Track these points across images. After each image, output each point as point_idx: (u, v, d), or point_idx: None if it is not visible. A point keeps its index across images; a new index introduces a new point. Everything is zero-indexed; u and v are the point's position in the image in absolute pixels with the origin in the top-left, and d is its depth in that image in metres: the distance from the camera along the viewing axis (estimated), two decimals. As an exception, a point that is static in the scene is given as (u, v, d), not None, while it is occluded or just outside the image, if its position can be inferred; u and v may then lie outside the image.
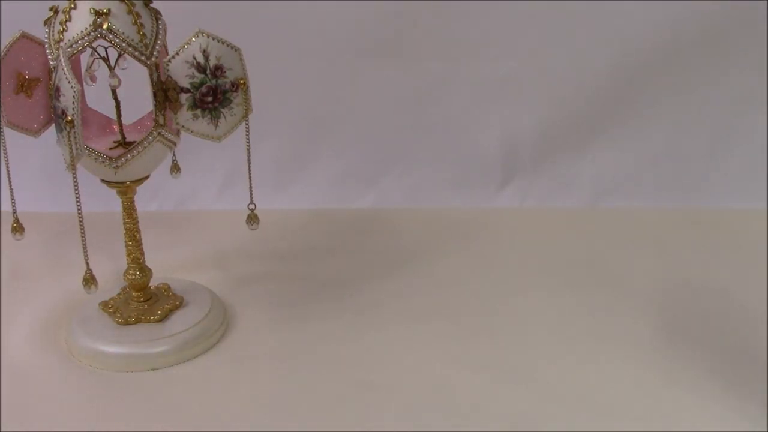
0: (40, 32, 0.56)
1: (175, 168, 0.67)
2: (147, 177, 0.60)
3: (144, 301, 0.64)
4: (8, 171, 0.56)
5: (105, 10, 0.53)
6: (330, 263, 0.77)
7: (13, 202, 0.57)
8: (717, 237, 0.83)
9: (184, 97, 0.57)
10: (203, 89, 0.56)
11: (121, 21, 0.54)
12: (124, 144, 0.60)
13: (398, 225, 0.86)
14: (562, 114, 0.91)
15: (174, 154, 0.66)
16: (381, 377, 0.60)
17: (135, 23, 0.54)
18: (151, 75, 0.56)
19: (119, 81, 0.59)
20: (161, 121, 0.57)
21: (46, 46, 0.55)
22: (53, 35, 0.55)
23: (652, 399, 0.57)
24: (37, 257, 0.78)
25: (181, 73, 0.56)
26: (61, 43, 0.54)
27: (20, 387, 0.58)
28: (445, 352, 0.63)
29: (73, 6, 0.54)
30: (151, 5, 0.57)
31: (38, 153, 0.81)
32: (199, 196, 0.92)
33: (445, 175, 0.92)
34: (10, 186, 0.57)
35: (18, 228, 0.59)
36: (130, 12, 0.54)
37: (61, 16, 0.54)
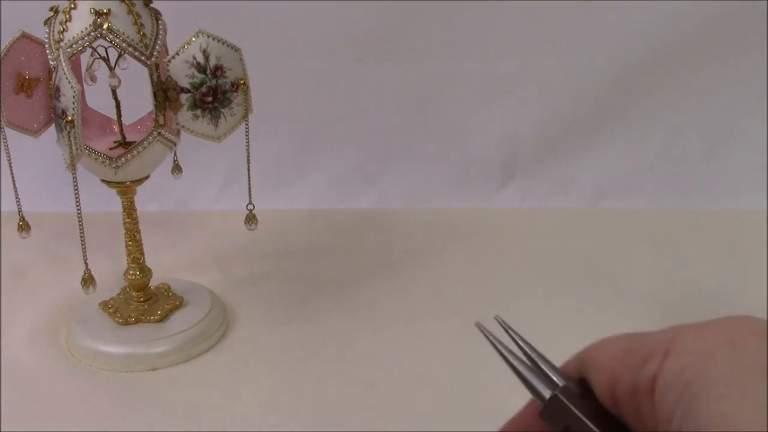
0: (40, 32, 0.56)
1: (177, 169, 0.67)
2: (147, 177, 0.60)
3: (144, 301, 0.64)
4: (11, 171, 0.56)
5: (105, 10, 0.53)
6: (330, 263, 0.77)
7: (18, 201, 0.57)
8: (717, 237, 0.83)
9: (184, 97, 0.57)
10: (203, 89, 0.56)
11: (121, 21, 0.54)
12: (124, 144, 0.60)
13: (398, 225, 0.86)
14: (562, 114, 0.91)
15: (175, 155, 0.66)
16: (381, 377, 0.60)
17: (135, 23, 0.54)
18: (151, 75, 0.56)
19: (119, 81, 0.59)
20: (161, 121, 0.57)
21: (46, 46, 0.55)
22: (53, 35, 0.55)
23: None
24: (37, 257, 0.78)
25: (181, 73, 0.56)
26: (61, 43, 0.54)
27: (20, 387, 0.58)
28: (445, 352, 0.63)
29: (73, 6, 0.54)
30: (151, 5, 0.57)
31: (38, 153, 0.81)
32: (199, 196, 0.92)
33: (445, 175, 0.92)
34: (14, 185, 0.57)
35: (24, 226, 0.59)
36: (130, 12, 0.54)
37: (61, 16, 0.54)
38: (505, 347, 0.30)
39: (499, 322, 0.33)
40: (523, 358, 0.31)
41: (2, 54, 0.54)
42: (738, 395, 0.22)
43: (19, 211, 0.58)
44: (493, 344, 0.31)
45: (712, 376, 0.23)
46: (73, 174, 0.52)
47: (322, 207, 0.90)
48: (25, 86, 0.55)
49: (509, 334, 0.32)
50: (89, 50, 0.57)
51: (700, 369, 0.24)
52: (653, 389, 0.25)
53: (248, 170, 0.60)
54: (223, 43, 0.56)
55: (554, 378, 0.29)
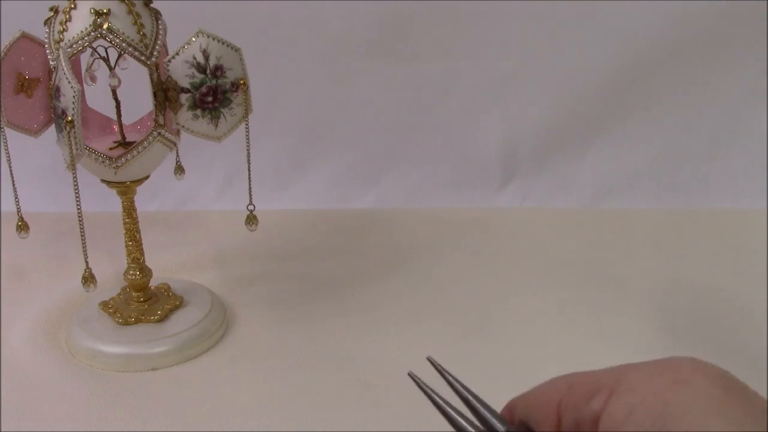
0: (40, 32, 0.56)
1: (179, 170, 0.67)
2: (147, 177, 0.60)
3: (144, 301, 0.64)
4: (11, 171, 0.56)
5: (105, 10, 0.53)
6: (330, 263, 0.77)
7: (17, 201, 0.57)
8: (717, 237, 0.83)
9: (184, 97, 0.57)
10: (203, 89, 0.56)
11: (121, 21, 0.54)
12: (124, 144, 0.60)
13: (398, 225, 0.86)
14: (562, 114, 0.91)
15: (178, 156, 0.66)
16: (381, 377, 0.59)
17: (135, 23, 0.54)
18: (151, 75, 0.56)
19: (119, 81, 0.59)
20: (161, 121, 0.57)
21: (46, 46, 0.55)
22: (53, 35, 0.55)
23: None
24: (37, 257, 0.78)
25: (181, 73, 0.56)
26: (61, 43, 0.54)
27: (20, 387, 0.58)
28: (444, 352, 0.62)
29: (73, 6, 0.54)
30: (151, 5, 0.57)
31: (38, 153, 0.81)
32: (199, 196, 0.92)
33: (445, 175, 0.92)
34: (14, 185, 0.57)
35: (23, 226, 0.59)
36: (130, 12, 0.54)
37: (61, 16, 0.54)
38: (441, 397, 0.29)
39: (432, 364, 0.31)
40: (461, 402, 0.29)
41: (2, 54, 0.54)
42: None
43: (18, 212, 0.58)
44: (428, 394, 0.30)
45: (665, 418, 0.23)
46: (73, 174, 0.52)
47: (322, 207, 0.90)
48: (25, 86, 0.55)
49: (444, 377, 0.31)
50: (89, 50, 0.57)
51: (651, 409, 0.23)
52: (596, 425, 0.25)
53: (248, 170, 0.60)
54: (223, 43, 0.56)
55: (494, 424, 0.29)
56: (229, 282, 0.73)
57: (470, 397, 0.30)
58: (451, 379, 0.30)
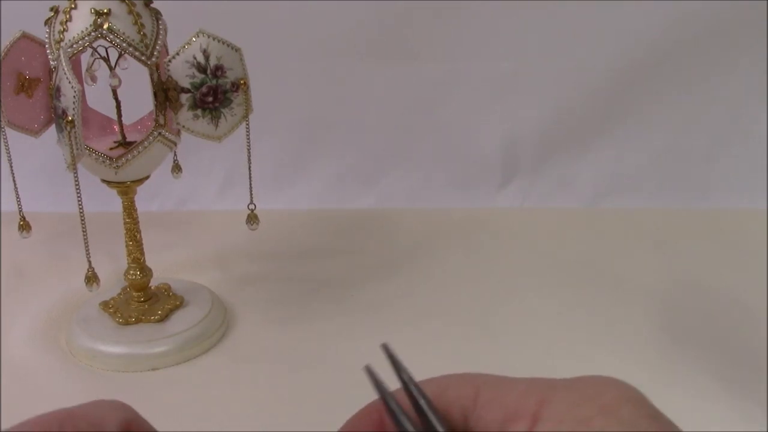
0: (40, 32, 0.56)
1: (177, 168, 0.67)
2: (147, 177, 0.60)
3: (144, 301, 0.64)
4: (12, 171, 0.56)
5: (105, 10, 0.53)
6: (330, 263, 0.77)
7: (18, 201, 0.57)
8: (717, 237, 0.83)
9: (184, 97, 0.57)
10: (203, 89, 0.56)
11: (121, 21, 0.54)
12: (125, 144, 0.60)
13: (398, 225, 0.86)
14: (562, 114, 0.91)
15: (175, 155, 0.66)
16: (381, 377, 0.59)
17: (135, 23, 0.54)
18: (151, 75, 0.56)
19: (120, 81, 0.59)
20: (162, 121, 0.57)
21: (47, 46, 0.55)
22: (54, 35, 0.55)
23: (651, 399, 0.57)
24: (37, 257, 0.78)
25: (181, 73, 0.56)
26: (62, 43, 0.54)
27: (20, 387, 0.58)
28: (444, 352, 0.63)
29: (73, 6, 0.54)
30: (151, 5, 0.57)
31: (39, 153, 0.81)
32: (199, 196, 0.92)
33: (446, 176, 0.92)
34: (15, 185, 0.57)
35: (25, 226, 0.59)
36: (130, 12, 0.54)
37: (61, 16, 0.54)
38: (392, 397, 0.28)
39: (386, 353, 0.29)
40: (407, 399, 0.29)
41: (2, 54, 0.54)
42: None
43: (20, 211, 0.58)
44: (380, 392, 0.29)
45: None
46: (73, 174, 0.52)
47: (322, 207, 0.90)
48: (25, 86, 0.55)
49: (396, 370, 0.29)
50: (90, 50, 0.57)
51: None
52: None
53: (249, 170, 0.60)
54: (223, 43, 0.56)
55: (436, 425, 0.28)
56: (229, 282, 0.73)
57: (417, 395, 0.29)
58: (402, 374, 0.29)
